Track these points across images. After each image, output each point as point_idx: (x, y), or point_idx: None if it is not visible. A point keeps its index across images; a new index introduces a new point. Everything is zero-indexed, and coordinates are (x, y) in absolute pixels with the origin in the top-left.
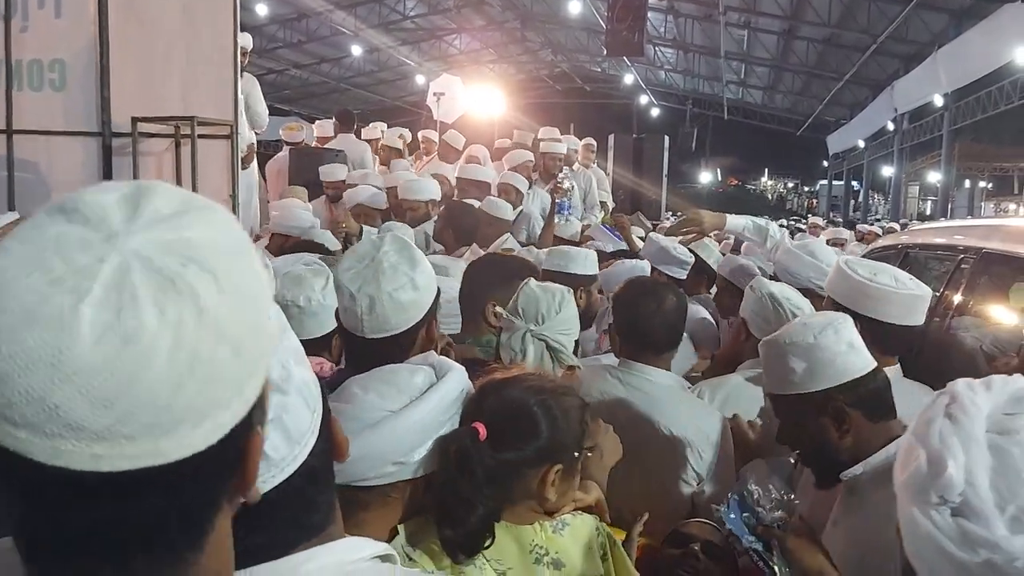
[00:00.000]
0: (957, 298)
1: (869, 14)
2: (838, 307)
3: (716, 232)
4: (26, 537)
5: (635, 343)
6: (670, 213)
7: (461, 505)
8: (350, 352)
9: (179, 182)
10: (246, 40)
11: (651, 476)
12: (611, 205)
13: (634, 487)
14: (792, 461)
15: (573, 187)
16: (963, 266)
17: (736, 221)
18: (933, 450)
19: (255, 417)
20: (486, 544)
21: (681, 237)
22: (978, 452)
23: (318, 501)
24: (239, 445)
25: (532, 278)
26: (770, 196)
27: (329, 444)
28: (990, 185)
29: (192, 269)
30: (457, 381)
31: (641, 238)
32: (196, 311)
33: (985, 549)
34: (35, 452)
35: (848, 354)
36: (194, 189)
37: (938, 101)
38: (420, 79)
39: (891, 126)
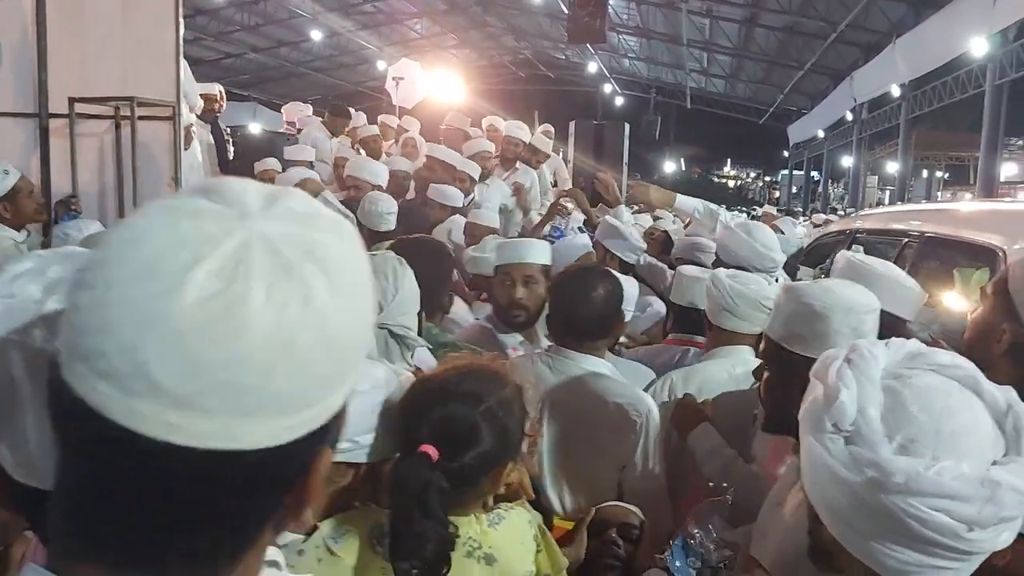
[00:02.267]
0: None
1: (829, 2)
2: None
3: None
4: (65, 503)
5: (565, 329)
6: (633, 208)
7: (418, 538)
8: None
9: (119, 164)
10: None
11: (579, 462)
12: None
13: (563, 473)
14: (729, 500)
15: (571, 209)
16: (907, 250)
17: (687, 201)
18: (830, 384)
19: (330, 434)
20: (444, 572)
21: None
22: (872, 389)
23: None
24: (307, 457)
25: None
26: (731, 185)
27: None
28: (947, 175)
29: (310, 264)
30: (391, 375)
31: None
32: (303, 301)
33: (871, 469)
34: (113, 409)
35: (848, 336)
36: (134, 171)
37: (896, 91)
38: (381, 64)
39: (850, 116)
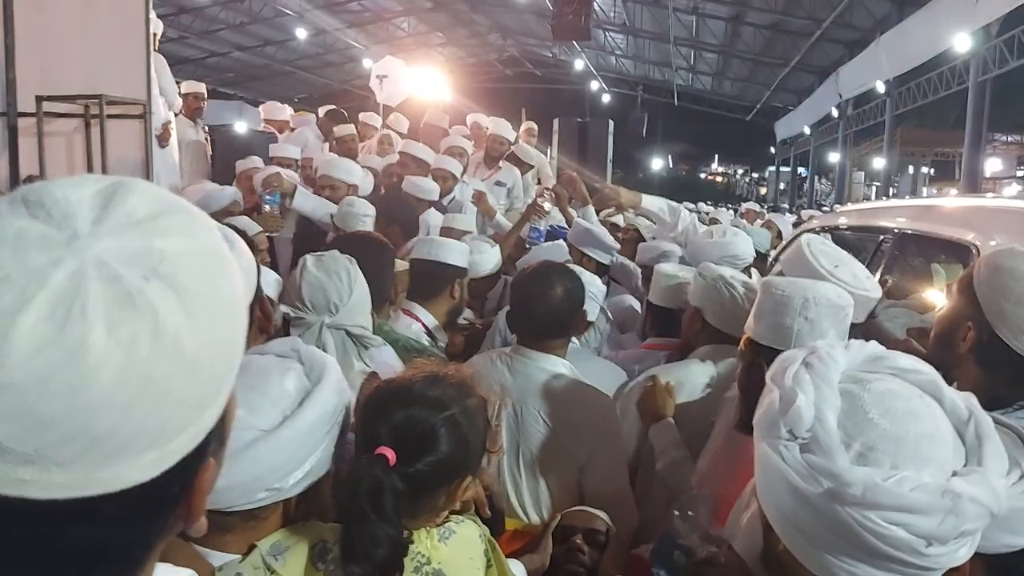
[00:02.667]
0: (877, 277)
1: (814, 0)
2: None
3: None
4: None
5: (523, 329)
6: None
7: (370, 541)
8: None
9: (90, 163)
10: (157, 26)
11: (538, 464)
12: None
13: (522, 475)
14: (710, 494)
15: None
16: (884, 246)
17: (653, 201)
18: (786, 388)
19: (210, 446)
20: None
21: (603, 214)
22: (829, 393)
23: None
24: (188, 477)
25: (308, 256)
26: (719, 182)
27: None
28: (932, 170)
29: (155, 285)
30: (333, 387)
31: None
32: (153, 331)
33: (827, 479)
34: None
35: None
36: (104, 170)
37: (881, 87)
38: (367, 62)
39: (836, 112)
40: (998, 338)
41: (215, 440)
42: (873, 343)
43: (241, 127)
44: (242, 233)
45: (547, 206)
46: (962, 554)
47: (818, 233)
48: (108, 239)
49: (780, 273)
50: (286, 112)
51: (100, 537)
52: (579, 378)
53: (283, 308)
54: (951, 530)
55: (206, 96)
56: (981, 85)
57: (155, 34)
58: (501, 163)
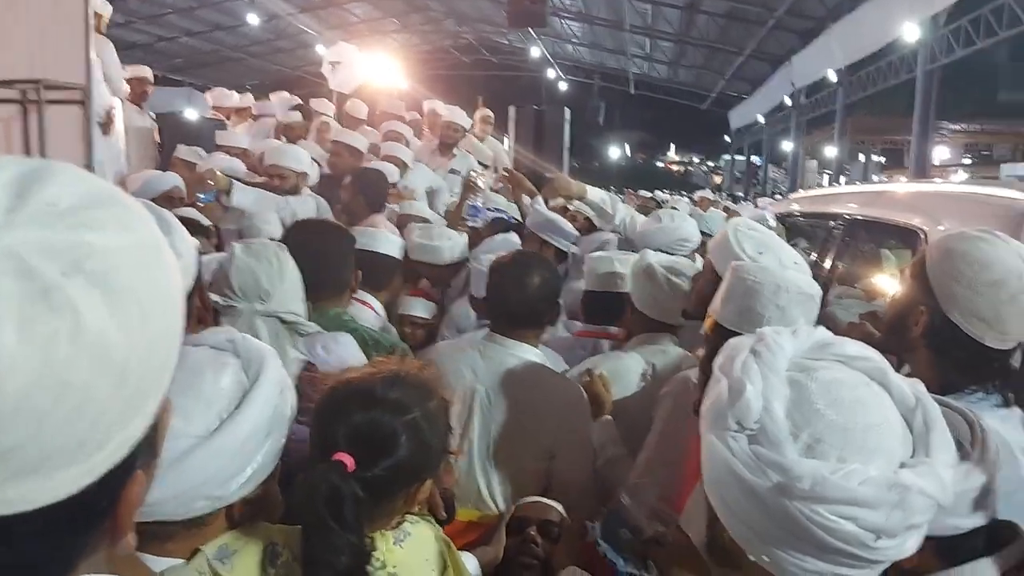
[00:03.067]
0: (828, 264)
1: None
2: (716, 275)
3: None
4: None
5: (500, 317)
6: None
7: (331, 550)
8: None
9: (28, 150)
10: (104, 8)
11: (508, 451)
12: None
13: (492, 462)
14: (656, 481)
15: (487, 187)
16: (835, 232)
17: (596, 192)
18: (734, 378)
19: (139, 457)
20: None
21: (551, 204)
22: (777, 383)
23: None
24: (114, 491)
25: (237, 244)
26: (676, 170)
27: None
28: (883, 159)
29: (77, 281)
30: (273, 383)
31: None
32: (72, 331)
33: (775, 471)
34: None
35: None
36: (43, 157)
37: (832, 76)
38: (320, 48)
39: (789, 101)
40: (950, 322)
41: (145, 450)
42: (821, 328)
43: (191, 114)
44: (192, 221)
45: (480, 182)
46: (910, 545)
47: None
48: (23, 230)
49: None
50: (234, 99)
51: (11, 558)
52: (551, 367)
53: (213, 296)
54: (899, 523)
55: (152, 80)
56: (929, 74)
57: (101, 16)
58: (455, 151)
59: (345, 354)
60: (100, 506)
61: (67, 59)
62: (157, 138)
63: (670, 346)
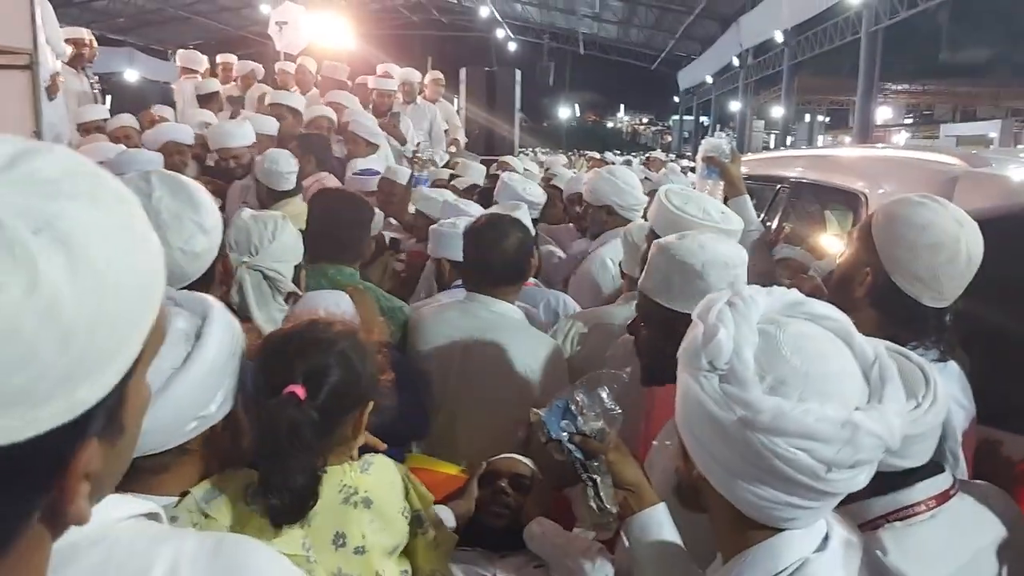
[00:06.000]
0: (775, 225)
1: None
2: (655, 236)
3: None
4: None
5: (477, 275)
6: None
7: (287, 471)
8: None
9: None
10: None
11: (493, 406)
12: (463, 141)
13: (478, 417)
14: (625, 377)
15: (432, 158)
16: (781, 195)
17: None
18: (709, 324)
19: (91, 427)
20: (312, 505)
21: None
22: (748, 331)
23: None
24: (58, 454)
25: (247, 210)
26: (624, 131)
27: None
28: (828, 119)
29: (43, 238)
30: (222, 317)
31: None
32: (28, 284)
33: (740, 407)
34: None
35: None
36: None
37: (779, 37)
38: (265, 8)
39: (736, 61)
40: (892, 283)
41: (103, 421)
42: (794, 291)
43: (132, 75)
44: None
45: (426, 155)
46: (860, 480)
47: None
48: (3, 189)
49: (652, 229)
50: (204, 63)
51: None
52: (530, 326)
53: None
54: (847, 458)
55: (90, 43)
56: (873, 35)
57: None
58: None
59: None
60: (42, 466)
61: (12, 23)
62: (101, 101)
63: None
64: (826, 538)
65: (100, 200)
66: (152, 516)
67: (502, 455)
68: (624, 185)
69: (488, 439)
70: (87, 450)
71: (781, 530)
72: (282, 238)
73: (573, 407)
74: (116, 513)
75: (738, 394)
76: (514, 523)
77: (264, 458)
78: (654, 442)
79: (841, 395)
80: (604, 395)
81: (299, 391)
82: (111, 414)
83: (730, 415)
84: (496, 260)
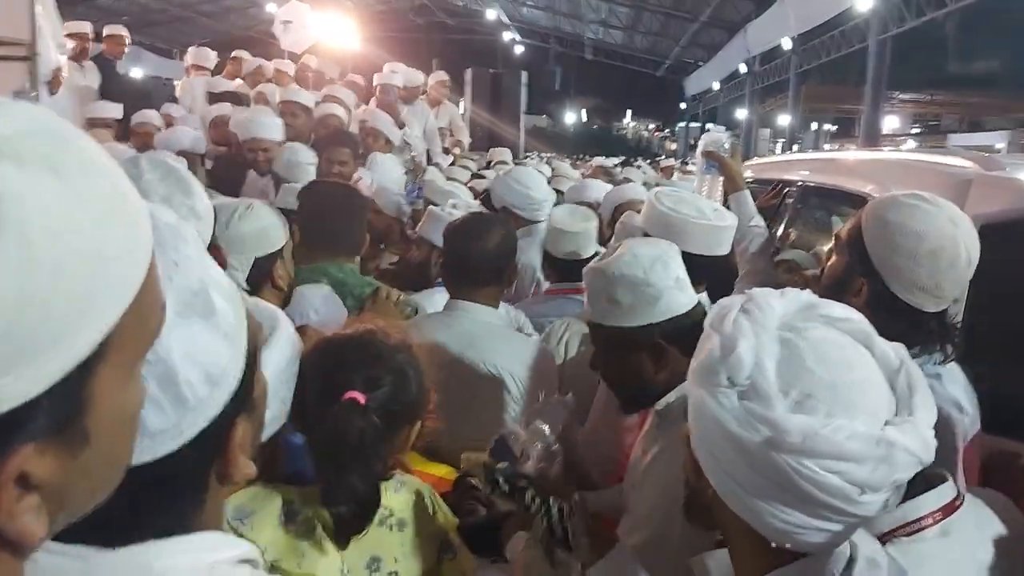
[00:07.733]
0: (780, 229)
1: None
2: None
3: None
4: None
5: (458, 278)
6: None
7: (350, 484)
8: None
9: None
10: None
11: (478, 415)
12: (467, 142)
13: (463, 427)
14: (571, 403)
15: (424, 168)
16: (787, 198)
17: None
18: (726, 335)
19: (25, 429)
20: (374, 515)
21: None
22: (768, 341)
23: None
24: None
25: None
26: (630, 137)
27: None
28: (835, 127)
29: None
30: (287, 333)
31: None
32: None
33: (765, 427)
34: None
35: (674, 290)
36: None
37: (787, 44)
38: (271, 7)
39: (743, 68)
40: (890, 292)
41: (48, 424)
42: (807, 291)
43: (136, 73)
44: None
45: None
46: (892, 501)
47: None
48: None
49: (645, 233)
50: (213, 60)
51: None
52: (511, 332)
53: None
54: (884, 478)
55: (91, 37)
56: (881, 44)
57: None
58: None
59: (334, 315)
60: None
61: (10, 15)
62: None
63: None
64: (851, 560)
65: (59, 167)
66: (250, 561)
67: (474, 452)
68: (518, 186)
69: (474, 450)
70: (19, 456)
71: (805, 554)
72: (240, 227)
73: (511, 443)
74: (213, 555)
75: (762, 412)
76: (489, 522)
77: (326, 464)
78: (634, 452)
79: (869, 407)
80: (545, 429)
81: (360, 397)
82: (62, 417)
83: (754, 436)
84: (476, 258)
